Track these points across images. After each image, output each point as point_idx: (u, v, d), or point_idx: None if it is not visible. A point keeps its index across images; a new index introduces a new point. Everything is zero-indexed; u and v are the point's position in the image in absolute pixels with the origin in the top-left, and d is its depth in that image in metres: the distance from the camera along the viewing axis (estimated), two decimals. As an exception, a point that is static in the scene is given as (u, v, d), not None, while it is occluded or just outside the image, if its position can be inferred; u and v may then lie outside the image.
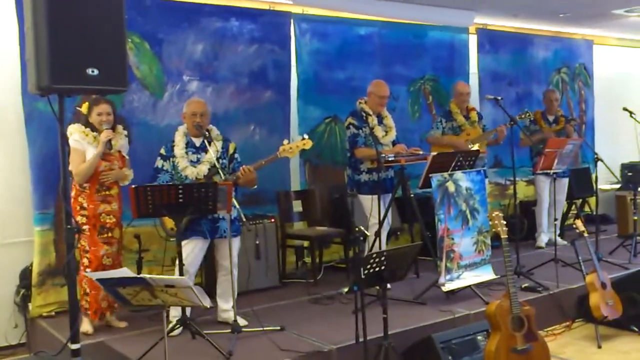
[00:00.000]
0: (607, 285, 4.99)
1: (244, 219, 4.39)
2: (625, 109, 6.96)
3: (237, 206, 4.41)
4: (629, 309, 5.04)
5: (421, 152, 5.71)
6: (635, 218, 6.87)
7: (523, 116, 6.28)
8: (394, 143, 5.75)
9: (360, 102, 5.67)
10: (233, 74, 6.10)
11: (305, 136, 4.70)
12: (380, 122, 5.67)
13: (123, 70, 3.33)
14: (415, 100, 7.35)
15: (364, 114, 5.55)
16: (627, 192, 7.60)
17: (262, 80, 6.27)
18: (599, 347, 4.81)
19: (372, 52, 6.98)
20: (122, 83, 3.32)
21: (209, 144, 4.55)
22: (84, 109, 4.57)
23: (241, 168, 4.51)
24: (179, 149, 4.62)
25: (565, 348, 4.83)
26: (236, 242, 4.68)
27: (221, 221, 4.56)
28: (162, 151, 4.67)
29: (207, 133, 4.58)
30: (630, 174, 8.17)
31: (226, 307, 4.69)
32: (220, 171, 4.45)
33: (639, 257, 6.49)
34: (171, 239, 4.66)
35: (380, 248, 5.30)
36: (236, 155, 4.77)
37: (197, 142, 4.68)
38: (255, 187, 4.70)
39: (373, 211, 5.41)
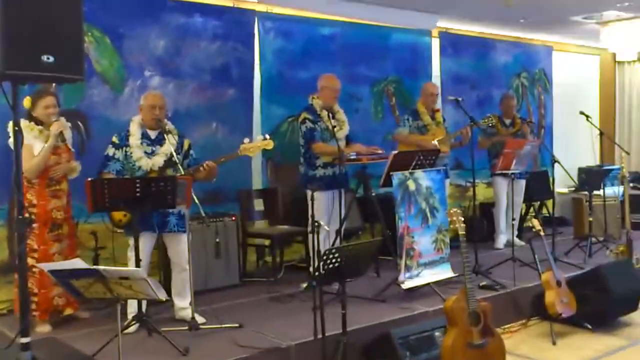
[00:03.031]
0: (562, 284, 5.08)
1: (204, 215, 4.35)
2: (582, 113, 7.12)
3: (197, 201, 4.37)
4: (583, 307, 5.14)
5: (381, 151, 5.74)
6: (591, 220, 7.02)
7: (486, 120, 6.35)
8: (348, 138, 5.76)
9: (312, 98, 5.67)
10: (195, 70, 6.05)
11: (267, 136, 4.70)
12: (332, 116, 5.67)
13: (80, 58, 3.27)
14: (378, 101, 7.40)
15: (317, 109, 5.56)
16: (584, 195, 7.74)
17: (225, 77, 6.23)
18: (554, 343, 4.90)
19: (335, 52, 7.01)
20: (78, 72, 3.26)
21: (166, 137, 4.51)
22: (26, 103, 4.41)
23: (205, 163, 4.49)
24: (135, 139, 4.57)
25: (521, 345, 4.90)
26: (186, 238, 4.61)
27: (171, 216, 4.53)
28: (115, 139, 4.60)
29: (165, 126, 4.55)
30: (586, 177, 8.33)
31: (183, 304, 4.64)
32: (179, 165, 4.40)
33: (594, 257, 6.62)
34: (118, 231, 4.60)
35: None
36: (191, 152, 4.75)
37: (153, 134, 4.64)
38: (214, 180, 4.65)
39: (327, 208, 5.41)
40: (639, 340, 4.99)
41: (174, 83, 5.92)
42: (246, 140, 4.64)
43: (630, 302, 5.44)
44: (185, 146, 4.73)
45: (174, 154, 4.45)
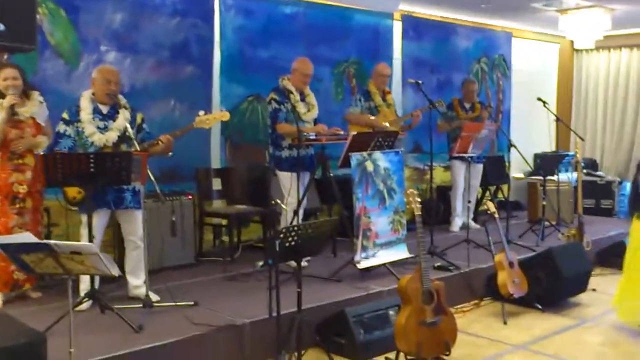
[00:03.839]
0: (515, 265, 5.19)
1: (159, 192, 4.30)
2: (539, 99, 7.21)
3: (152, 178, 4.31)
4: (534, 288, 5.26)
5: (342, 133, 5.75)
6: (544, 204, 7.17)
7: (437, 104, 6.39)
8: (315, 121, 5.76)
9: (283, 79, 5.63)
10: (153, 46, 5.95)
11: (223, 109, 4.66)
12: (302, 99, 5.66)
13: (32, 27, 3.21)
14: (339, 83, 7.40)
15: (287, 91, 5.54)
16: (538, 180, 7.89)
17: (184, 54, 6.14)
18: (505, 323, 5.00)
19: (297, 32, 6.96)
20: (30, 41, 3.19)
21: (121, 111, 4.43)
22: None
23: (162, 136, 4.42)
24: (86, 114, 4.46)
25: (473, 324, 4.99)
26: (140, 215, 4.57)
27: (126, 192, 4.47)
28: (65, 115, 4.49)
29: (119, 101, 4.46)
30: (541, 162, 8.48)
31: (137, 282, 4.59)
32: (133, 140, 4.32)
33: (547, 240, 6.77)
34: (73, 208, 4.52)
35: (298, 226, 5.31)
36: (144, 126, 4.68)
37: (104, 109, 4.54)
38: (170, 155, 4.58)
39: (291, 189, 5.41)
40: (587, 319, 5.13)
41: (131, 59, 5.81)
42: (201, 112, 4.57)
43: (579, 284, 5.59)
44: (138, 120, 4.64)
45: (129, 128, 4.37)
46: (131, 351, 3.66)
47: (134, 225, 4.53)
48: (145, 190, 4.51)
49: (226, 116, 4.59)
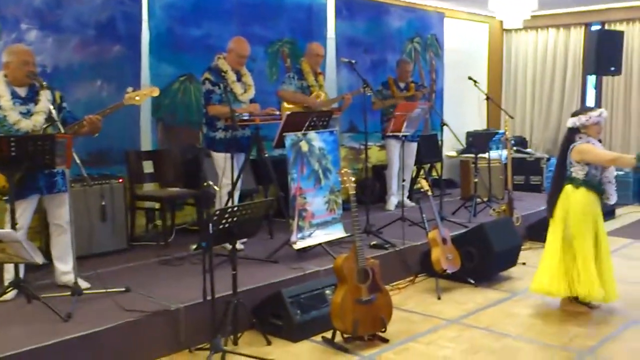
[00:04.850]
0: (448, 241, 5.28)
1: (86, 175, 4.14)
2: (470, 78, 7.32)
3: (78, 161, 4.14)
4: (466, 263, 5.38)
5: (277, 113, 5.68)
6: (476, 181, 7.32)
7: (363, 90, 6.29)
8: (251, 102, 5.66)
9: (218, 58, 5.51)
10: (78, 24, 5.70)
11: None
12: (239, 79, 5.55)
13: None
14: (273, 62, 7.30)
15: (222, 71, 5.43)
16: (470, 158, 8.04)
17: (111, 33, 5.91)
18: (439, 298, 5.09)
19: (229, 10, 6.81)
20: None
21: (42, 92, 4.23)
22: None
23: (86, 117, 4.24)
24: (6, 100, 4.21)
25: (408, 300, 5.06)
26: (67, 198, 4.37)
27: (58, 176, 4.29)
28: None
29: (42, 82, 4.25)
30: (473, 140, 8.66)
31: (65, 268, 4.43)
32: (58, 122, 4.14)
33: (479, 216, 6.92)
34: (4, 198, 4.30)
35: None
36: (64, 104, 4.47)
37: (22, 92, 4.31)
38: (96, 135, 4.40)
39: (226, 170, 5.31)
40: (517, 292, 5.28)
41: (54, 38, 5.55)
42: (130, 89, 4.40)
43: (510, 258, 5.75)
44: (57, 99, 4.42)
45: (53, 110, 4.18)
46: (59, 341, 3.54)
47: (61, 209, 4.35)
48: (71, 174, 4.34)
49: (156, 92, 4.46)
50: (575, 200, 4.63)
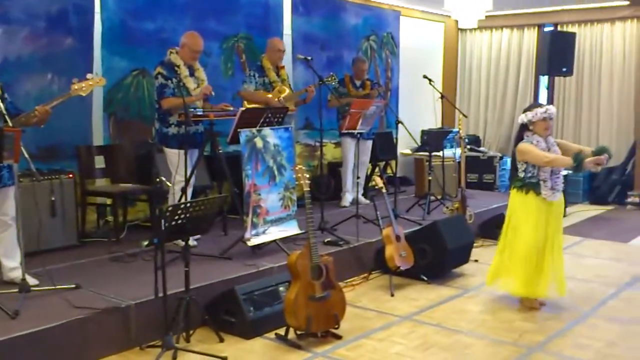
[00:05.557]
0: (402, 238, 5.33)
1: (34, 170, 4.04)
2: (425, 77, 7.38)
3: (26, 155, 4.03)
4: (420, 260, 5.44)
5: (232, 108, 5.65)
6: (430, 179, 7.41)
7: (329, 79, 6.42)
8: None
9: (171, 52, 5.44)
10: (27, 16, 5.55)
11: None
12: (191, 74, 5.49)
13: None
14: (228, 58, 7.25)
15: (174, 65, 5.36)
16: (425, 156, 8.13)
17: (62, 25, 5.78)
18: (392, 295, 5.14)
19: (184, 4, 6.73)
20: None
21: None
22: None
23: (37, 108, 4.12)
24: None
25: (362, 297, 5.10)
26: (13, 192, 4.26)
27: (4, 170, 4.17)
28: None
29: None
30: (427, 138, 8.76)
31: (12, 264, 4.32)
32: (5, 115, 4.02)
33: (432, 214, 7.01)
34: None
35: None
36: (6, 95, 4.31)
37: None
38: (42, 126, 4.27)
39: (179, 167, 5.25)
40: (469, 289, 5.37)
41: (2, 29, 5.40)
42: (75, 79, 4.29)
43: (462, 255, 5.84)
44: None
45: (2, 105, 4.05)
46: (6, 338, 3.45)
47: (7, 203, 4.23)
48: (20, 168, 4.23)
49: (102, 81, 4.38)
50: (514, 199, 4.78)
